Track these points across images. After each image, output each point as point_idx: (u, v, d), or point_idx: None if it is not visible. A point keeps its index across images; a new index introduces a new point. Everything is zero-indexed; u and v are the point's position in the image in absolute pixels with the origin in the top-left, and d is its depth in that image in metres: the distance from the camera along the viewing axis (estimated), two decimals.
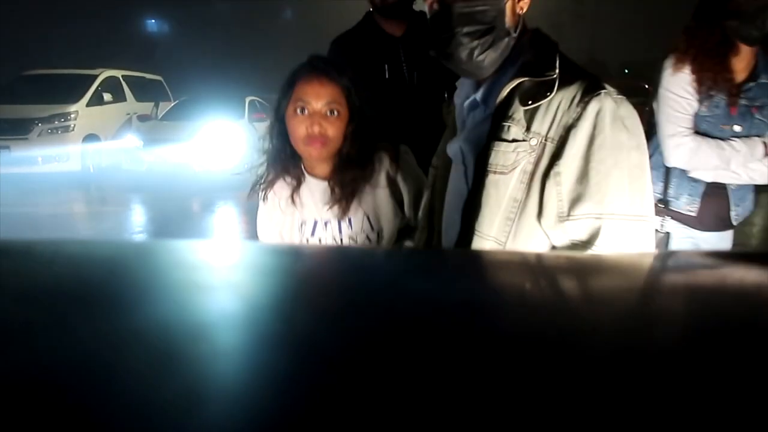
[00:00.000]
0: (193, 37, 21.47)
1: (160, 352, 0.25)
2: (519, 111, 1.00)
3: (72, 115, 8.99)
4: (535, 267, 0.52)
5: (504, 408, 0.21)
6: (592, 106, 0.96)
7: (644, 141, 0.99)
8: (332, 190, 1.43)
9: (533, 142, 0.99)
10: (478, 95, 1.09)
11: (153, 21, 24.64)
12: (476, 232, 1.03)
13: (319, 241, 1.48)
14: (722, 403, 0.22)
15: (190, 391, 0.22)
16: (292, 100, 1.37)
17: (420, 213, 1.30)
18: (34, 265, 0.44)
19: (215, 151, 8.37)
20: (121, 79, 10.40)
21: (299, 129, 1.36)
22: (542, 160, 0.99)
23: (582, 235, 0.97)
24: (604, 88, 0.98)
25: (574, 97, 0.97)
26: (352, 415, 0.20)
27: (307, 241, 1.50)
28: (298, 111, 1.36)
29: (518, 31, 1.05)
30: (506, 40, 1.03)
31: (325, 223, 1.48)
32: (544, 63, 1.01)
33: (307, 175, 1.47)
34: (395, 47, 1.95)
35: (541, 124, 0.99)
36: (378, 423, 0.20)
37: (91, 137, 9.22)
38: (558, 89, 0.99)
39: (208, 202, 7.34)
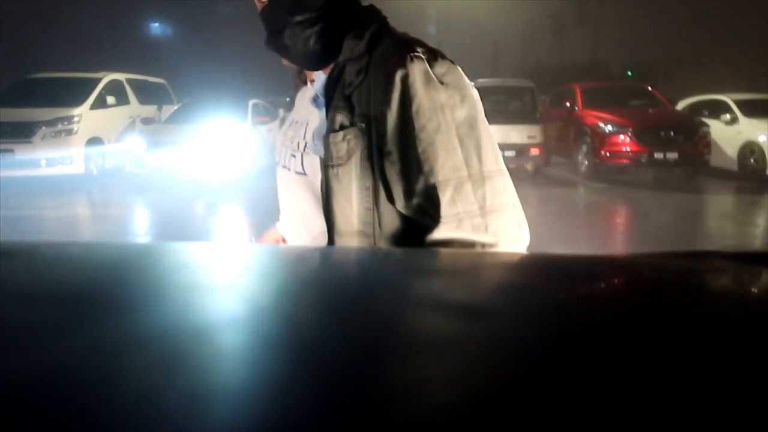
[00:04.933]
0: (196, 40, 21.52)
1: (164, 353, 0.26)
2: (341, 98, 0.97)
3: (75, 119, 9.01)
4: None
5: (506, 410, 0.21)
6: (399, 74, 0.91)
7: (469, 92, 0.95)
8: None
9: (361, 125, 0.95)
10: (320, 89, 1.05)
11: (156, 24, 24.71)
12: (336, 232, 1.00)
13: (286, 141, 1.55)
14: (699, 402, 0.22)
15: (193, 391, 0.22)
16: None
17: None
18: (38, 267, 0.44)
19: (219, 153, 8.38)
20: (124, 82, 10.43)
21: None
22: (374, 141, 0.95)
23: (431, 209, 0.92)
24: (411, 51, 0.93)
25: (382, 71, 0.93)
26: (353, 417, 0.20)
27: (284, 138, 1.56)
28: None
29: (352, 14, 1.01)
30: (339, 26, 0.99)
31: (298, 123, 1.56)
32: (360, 44, 0.97)
33: (304, 79, 1.55)
34: None
35: (361, 106, 0.95)
36: (379, 424, 0.20)
37: (94, 140, 9.24)
38: (372, 68, 0.95)
39: (212, 205, 7.35)
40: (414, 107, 0.91)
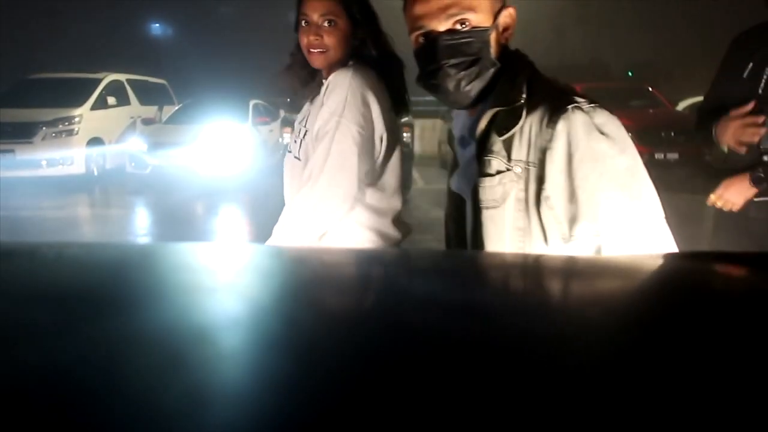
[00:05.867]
0: (197, 40, 21.52)
1: (164, 354, 0.26)
2: (497, 142, 1.01)
3: (76, 119, 9.01)
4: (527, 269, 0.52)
5: (508, 412, 0.21)
6: (561, 125, 0.95)
7: (629, 142, 0.98)
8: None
9: (517, 169, 1.00)
10: (466, 130, 1.11)
11: (157, 24, 24.72)
12: None
13: (296, 129, 1.59)
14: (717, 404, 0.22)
15: (194, 393, 0.22)
16: (300, 14, 1.50)
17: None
18: (38, 268, 0.44)
19: (219, 154, 8.38)
20: (125, 82, 10.42)
21: (302, 39, 1.49)
22: (530, 185, 0.99)
23: (589, 254, 0.95)
24: (572, 103, 0.97)
25: (543, 119, 0.98)
26: (355, 418, 0.20)
27: (297, 126, 1.60)
28: (303, 23, 1.48)
29: (502, 60, 1.06)
30: (492, 70, 1.04)
31: (307, 115, 1.58)
32: (514, 89, 1.02)
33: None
34: None
35: (519, 151, 0.99)
36: (380, 424, 0.20)
37: (95, 141, 9.24)
38: (527, 114, 0.99)
39: (212, 205, 7.35)
40: (577, 156, 0.95)
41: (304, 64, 1.54)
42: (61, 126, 8.87)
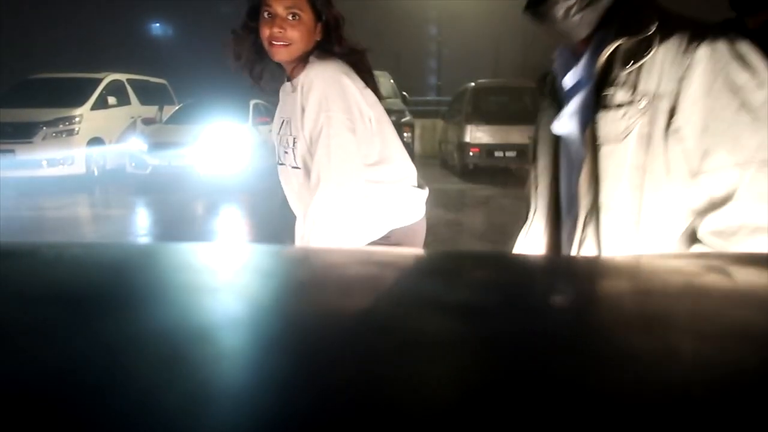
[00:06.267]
0: (197, 40, 21.50)
1: (164, 353, 0.26)
2: (621, 74, 0.96)
3: (76, 119, 9.02)
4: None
5: (511, 412, 0.21)
6: (702, 52, 0.91)
7: (766, 75, 0.93)
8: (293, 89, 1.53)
9: (642, 103, 0.94)
10: (579, 65, 1.05)
11: (157, 24, 24.73)
12: (602, 207, 0.99)
13: (279, 139, 1.58)
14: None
15: (194, 393, 0.22)
16: (263, 4, 1.48)
17: (526, 190, 1.25)
18: (38, 268, 0.44)
19: (219, 154, 8.39)
20: (125, 82, 10.43)
21: (264, 31, 1.47)
22: (657, 119, 0.94)
23: (720, 190, 0.91)
24: (713, 30, 0.92)
25: (679, 47, 0.93)
26: (353, 417, 0.20)
27: (279, 138, 1.59)
28: (265, 15, 1.47)
29: None
30: (604, 0, 0.99)
31: (283, 122, 1.59)
32: (640, 19, 0.96)
33: (286, 75, 1.58)
34: None
35: (647, 83, 0.94)
36: (380, 424, 0.20)
37: (95, 141, 9.25)
38: (659, 43, 0.94)
39: (213, 205, 7.35)
40: (716, 86, 0.91)
41: (257, 50, 1.53)
42: (61, 126, 8.88)
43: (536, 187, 1.20)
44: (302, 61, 1.48)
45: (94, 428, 0.19)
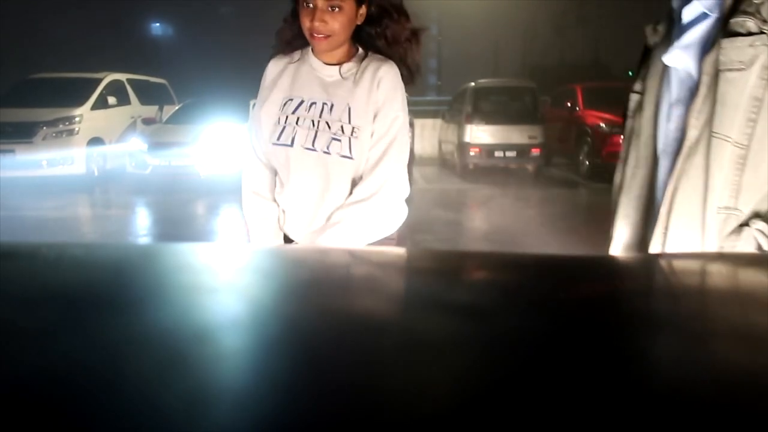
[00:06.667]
0: (197, 40, 21.53)
1: (164, 354, 0.26)
2: (752, 3, 0.97)
3: (77, 119, 9.01)
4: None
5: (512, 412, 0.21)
6: None
7: None
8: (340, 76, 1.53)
9: None
10: None
11: (158, 24, 24.73)
12: (714, 134, 0.99)
13: (297, 120, 1.55)
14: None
15: (195, 392, 0.22)
16: None
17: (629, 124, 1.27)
18: (38, 268, 0.44)
19: (219, 154, 8.38)
20: (125, 82, 10.42)
21: (305, 22, 1.47)
22: None
23: None
24: None
25: None
26: (353, 417, 0.20)
27: (286, 118, 1.58)
28: (305, 4, 1.46)
29: None
30: None
31: (311, 104, 1.56)
32: None
33: (312, 56, 1.57)
34: None
35: None
36: (380, 425, 0.20)
37: (95, 140, 9.24)
38: None
39: (213, 205, 7.35)
40: None
41: (298, 34, 1.54)
42: (61, 126, 8.87)
43: (639, 136, 1.22)
44: (340, 47, 1.50)
45: (94, 428, 0.19)
